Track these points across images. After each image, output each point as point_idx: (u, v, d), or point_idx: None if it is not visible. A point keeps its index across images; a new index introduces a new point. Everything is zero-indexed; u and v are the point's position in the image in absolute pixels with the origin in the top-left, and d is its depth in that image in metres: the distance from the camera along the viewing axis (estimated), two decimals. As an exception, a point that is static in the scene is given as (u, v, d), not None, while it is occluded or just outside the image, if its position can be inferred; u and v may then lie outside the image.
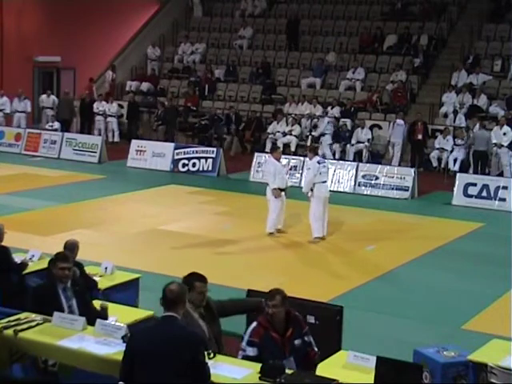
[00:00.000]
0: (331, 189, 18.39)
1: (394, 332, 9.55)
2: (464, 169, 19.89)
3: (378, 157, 21.53)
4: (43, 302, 6.98)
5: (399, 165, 20.39)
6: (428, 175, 19.99)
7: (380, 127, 22.33)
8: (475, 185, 17.58)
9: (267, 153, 20.74)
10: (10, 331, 6.53)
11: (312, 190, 13.73)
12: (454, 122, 21.50)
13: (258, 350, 6.15)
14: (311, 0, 28.18)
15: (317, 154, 14.33)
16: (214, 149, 20.83)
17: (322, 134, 22.24)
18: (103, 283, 8.76)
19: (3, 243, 9.09)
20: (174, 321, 5.46)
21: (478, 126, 20.14)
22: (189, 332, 5.60)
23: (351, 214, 16.35)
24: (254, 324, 6.30)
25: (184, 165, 20.65)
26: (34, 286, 7.90)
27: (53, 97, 26.31)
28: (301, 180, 19.02)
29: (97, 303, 7.53)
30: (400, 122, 21.50)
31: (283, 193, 14.05)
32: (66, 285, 7.09)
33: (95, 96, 26.64)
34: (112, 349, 6.23)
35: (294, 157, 20.11)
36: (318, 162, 13.79)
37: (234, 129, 23.62)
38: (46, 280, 7.45)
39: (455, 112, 21.84)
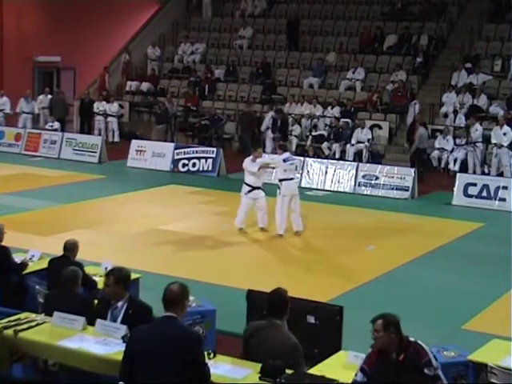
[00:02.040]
0: (331, 189, 18.57)
1: (394, 332, 9.53)
2: (464, 169, 19.94)
3: (378, 157, 21.52)
4: (95, 310, 6.96)
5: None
6: (428, 175, 20.00)
7: (380, 127, 22.34)
8: (475, 185, 17.57)
9: (267, 153, 20.82)
10: (9, 331, 6.54)
11: (279, 187, 13.86)
12: (454, 122, 21.51)
13: (365, 378, 5.87)
14: (311, 0, 28.18)
15: (286, 150, 14.37)
16: (214, 149, 20.83)
17: (267, 128, 22.68)
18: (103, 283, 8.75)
19: (3, 243, 9.11)
20: (174, 321, 5.46)
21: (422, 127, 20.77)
22: (188, 332, 5.61)
23: (351, 214, 16.35)
24: (370, 350, 6.03)
25: (184, 165, 20.64)
26: (100, 293, 7.79)
27: (50, 96, 26.31)
28: (301, 180, 19.07)
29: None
30: (414, 101, 22.07)
31: (259, 191, 14.03)
32: (116, 303, 6.85)
33: (107, 85, 26.72)
34: (112, 349, 6.24)
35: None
36: (284, 160, 13.90)
37: (280, 134, 22.49)
38: None
39: (455, 112, 21.84)
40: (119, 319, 6.79)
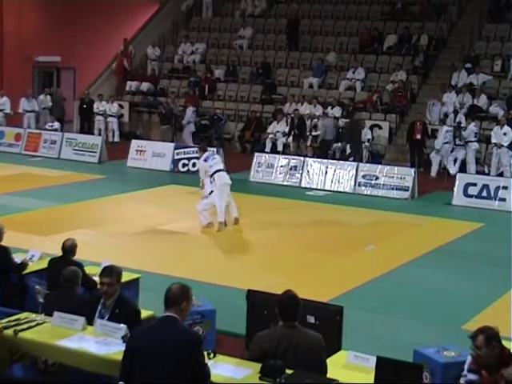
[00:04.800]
0: (331, 189, 18.58)
1: (393, 332, 9.54)
2: (464, 169, 19.97)
3: (378, 157, 21.53)
4: (86, 308, 6.94)
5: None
6: (428, 175, 19.99)
7: (380, 127, 22.34)
8: (475, 185, 17.57)
9: (267, 153, 20.86)
10: (9, 331, 6.54)
11: (212, 181, 14.40)
12: (454, 122, 21.50)
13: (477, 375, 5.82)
14: (311, 0, 28.18)
15: (206, 150, 15.34)
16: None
17: (187, 122, 23.68)
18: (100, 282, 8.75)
19: (3, 243, 9.11)
20: (174, 322, 5.44)
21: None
22: (188, 333, 5.57)
23: (351, 214, 16.34)
24: (469, 358, 6.08)
25: (184, 165, 20.65)
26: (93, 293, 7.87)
27: (49, 96, 26.30)
28: (301, 180, 19.09)
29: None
30: (432, 101, 22.21)
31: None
32: (106, 301, 6.86)
33: (126, 66, 27.28)
34: (112, 349, 6.23)
35: (294, 157, 20.10)
36: (205, 160, 14.74)
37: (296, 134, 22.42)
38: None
39: (455, 112, 21.84)
40: (105, 318, 6.78)
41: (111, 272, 6.90)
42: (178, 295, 5.51)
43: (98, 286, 7.56)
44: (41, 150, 22.79)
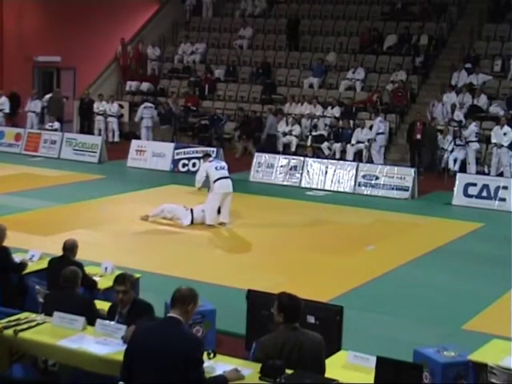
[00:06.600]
0: (331, 189, 18.61)
1: (393, 332, 9.54)
2: (464, 169, 19.97)
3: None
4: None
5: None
6: (428, 175, 20.00)
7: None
8: (475, 185, 17.57)
9: (267, 153, 20.83)
10: (9, 331, 6.54)
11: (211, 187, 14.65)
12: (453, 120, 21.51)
13: None
14: (311, 0, 28.19)
15: (210, 155, 16.28)
16: (214, 149, 20.82)
17: (140, 119, 24.42)
18: (103, 283, 8.76)
19: (3, 243, 9.10)
20: (177, 324, 5.41)
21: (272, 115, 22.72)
22: (187, 334, 5.53)
23: (351, 214, 16.35)
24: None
25: (184, 165, 20.64)
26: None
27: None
28: (301, 180, 19.09)
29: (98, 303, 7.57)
30: (432, 102, 22.25)
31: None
32: (122, 310, 6.83)
33: (141, 49, 27.87)
34: (112, 349, 6.23)
35: (294, 157, 20.10)
36: (216, 168, 14.73)
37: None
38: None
39: (453, 108, 21.84)
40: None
41: (124, 279, 6.89)
42: (187, 295, 5.51)
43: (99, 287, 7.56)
44: (41, 150, 22.78)
